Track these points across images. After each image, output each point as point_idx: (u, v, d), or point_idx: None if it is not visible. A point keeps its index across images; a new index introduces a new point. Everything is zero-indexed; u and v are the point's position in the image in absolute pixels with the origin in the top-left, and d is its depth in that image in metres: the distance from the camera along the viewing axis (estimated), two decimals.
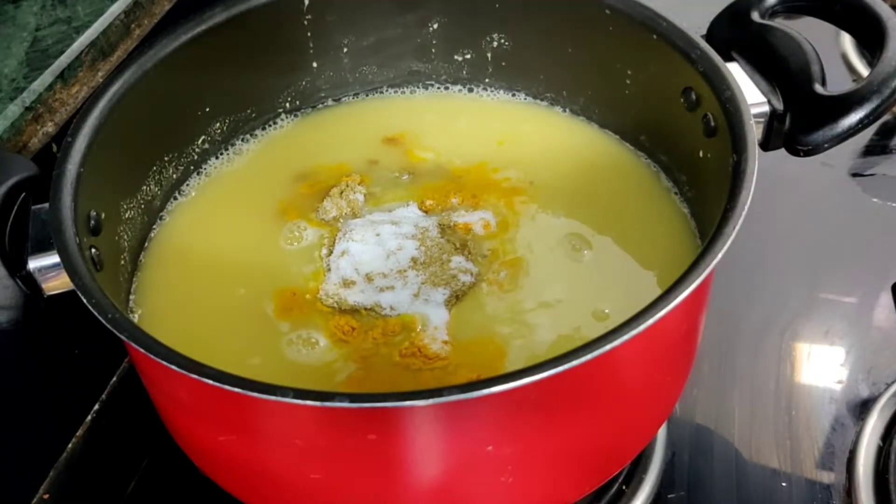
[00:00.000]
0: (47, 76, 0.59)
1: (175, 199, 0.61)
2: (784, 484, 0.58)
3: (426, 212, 0.58)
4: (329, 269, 0.55)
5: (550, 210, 0.58)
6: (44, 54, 0.60)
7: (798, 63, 0.51)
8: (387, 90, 0.68)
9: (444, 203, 0.59)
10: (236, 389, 0.39)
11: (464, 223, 0.57)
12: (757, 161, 0.46)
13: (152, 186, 0.58)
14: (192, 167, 0.62)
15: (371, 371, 0.50)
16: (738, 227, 0.43)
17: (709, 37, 0.55)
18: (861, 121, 0.49)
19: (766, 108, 0.51)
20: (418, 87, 0.68)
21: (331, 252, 0.56)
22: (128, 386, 0.65)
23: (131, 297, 0.55)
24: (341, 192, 0.59)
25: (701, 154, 0.54)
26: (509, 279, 0.54)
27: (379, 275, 0.54)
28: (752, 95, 0.51)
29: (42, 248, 0.47)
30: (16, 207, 0.48)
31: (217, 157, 0.63)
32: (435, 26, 0.64)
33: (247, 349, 0.52)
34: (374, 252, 0.55)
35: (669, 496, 0.57)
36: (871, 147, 0.79)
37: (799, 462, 0.59)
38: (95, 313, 0.42)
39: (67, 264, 0.44)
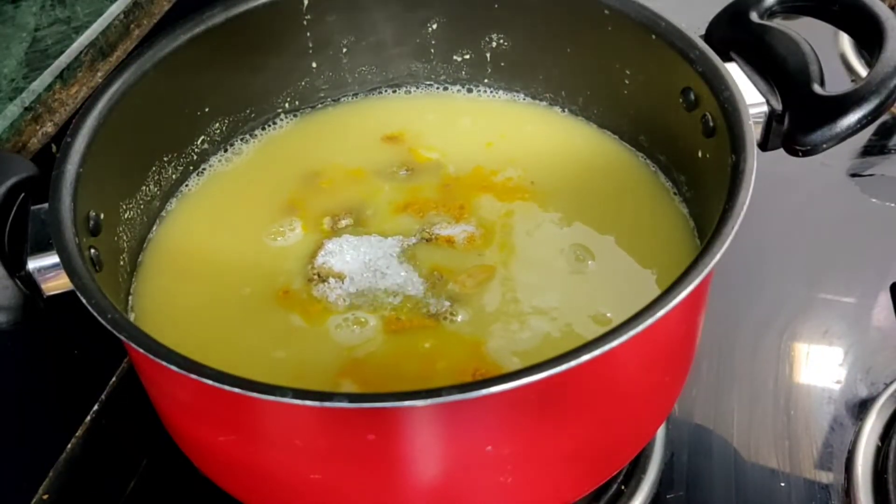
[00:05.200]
0: (47, 76, 0.59)
1: (175, 199, 0.61)
2: (783, 484, 0.58)
3: (411, 237, 0.57)
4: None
5: (550, 212, 0.58)
6: (43, 54, 0.60)
7: (797, 63, 0.51)
8: (386, 90, 0.68)
9: (428, 213, 0.58)
10: (235, 389, 0.39)
11: (447, 235, 0.57)
12: (756, 161, 0.46)
13: (152, 186, 0.58)
14: (191, 167, 0.62)
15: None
16: (736, 228, 0.43)
17: (707, 37, 0.55)
18: (860, 121, 0.49)
19: (765, 109, 0.51)
20: (417, 88, 0.68)
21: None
22: (127, 386, 0.65)
23: (130, 297, 0.55)
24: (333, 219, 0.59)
25: (700, 154, 0.54)
26: (502, 284, 0.54)
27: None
28: (751, 95, 0.51)
29: (41, 248, 0.47)
30: (15, 208, 0.48)
31: (216, 158, 0.63)
32: (434, 26, 0.64)
33: (247, 348, 0.52)
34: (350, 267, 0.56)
35: (668, 496, 0.58)
36: (869, 147, 0.79)
37: (798, 462, 0.59)
38: (95, 313, 0.42)
39: (67, 264, 0.44)
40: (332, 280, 0.54)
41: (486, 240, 0.57)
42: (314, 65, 0.65)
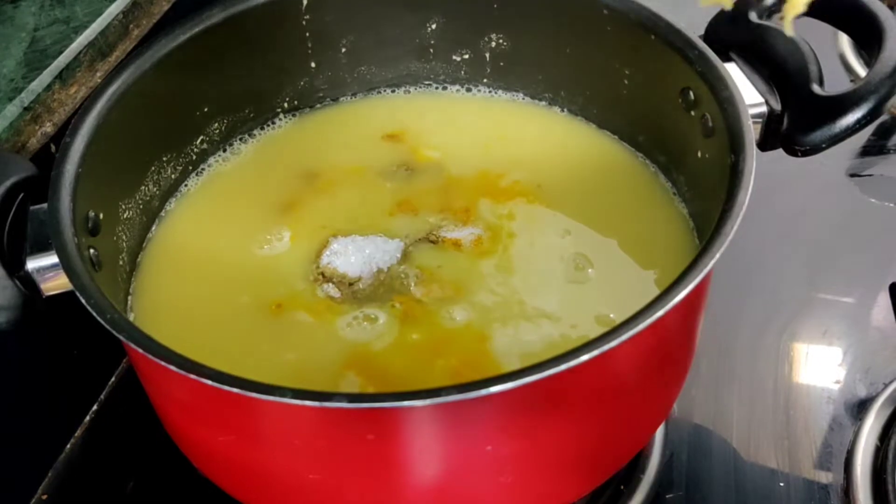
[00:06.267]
0: (46, 76, 0.58)
1: (174, 199, 0.61)
2: (782, 484, 0.58)
3: (416, 238, 0.57)
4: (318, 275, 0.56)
5: (551, 213, 0.58)
6: (42, 54, 0.60)
7: (796, 63, 0.51)
8: (385, 90, 0.68)
9: (432, 214, 0.58)
10: (235, 389, 0.39)
11: (453, 238, 0.57)
12: (755, 161, 0.46)
13: (151, 186, 0.58)
14: (190, 167, 0.62)
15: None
16: (736, 227, 0.43)
17: (707, 37, 0.55)
18: (859, 121, 0.49)
19: (764, 109, 0.52)
20: (417, 88, 0.68)
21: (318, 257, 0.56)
22: (126, 386, 0.65)
23: (130, 296, 0.55)
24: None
25: (699, 154, 0.54)
26: (504, 285, 0.54)
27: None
28: (750, 96, 0.51)
29: (40, 248, 0.47)
30: (14, 208, 0.48)
31: (216, 157, 0.63)
32: (433, 26, 0.64)
33: (246, 348, 0.52)
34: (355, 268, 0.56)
35: (667, 496, 0.58)
36: (868, 147, 0.79)
37: (797, 462, 0.59)
38: (94, 313, 0.42)
39: (66, 264, 0.44)
40: (336, 280, 0.54)
41: (492, 242, 0.57)
42: (313, 65, 0.65)
